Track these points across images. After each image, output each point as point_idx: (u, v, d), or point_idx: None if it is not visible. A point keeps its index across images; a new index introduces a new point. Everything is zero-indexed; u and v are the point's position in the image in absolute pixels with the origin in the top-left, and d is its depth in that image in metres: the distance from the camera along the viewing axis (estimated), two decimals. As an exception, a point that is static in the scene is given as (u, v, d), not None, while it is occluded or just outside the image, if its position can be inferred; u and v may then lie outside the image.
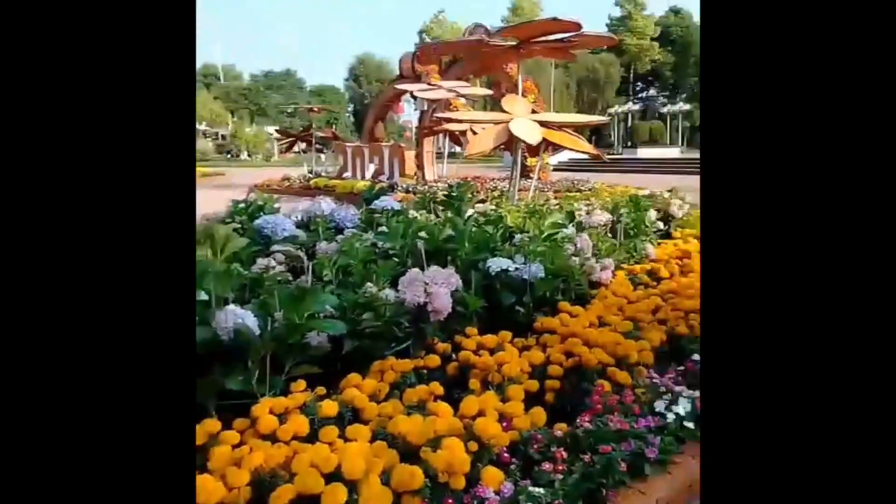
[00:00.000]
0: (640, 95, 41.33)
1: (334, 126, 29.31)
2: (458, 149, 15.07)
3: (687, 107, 32.82)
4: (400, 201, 6.36)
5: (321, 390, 1.50)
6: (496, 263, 2.36)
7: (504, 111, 5.03)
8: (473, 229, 3.04)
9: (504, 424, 1.39)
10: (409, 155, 11.73)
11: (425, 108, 12.08)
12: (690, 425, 1.54)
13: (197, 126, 36.44)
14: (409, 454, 1.25)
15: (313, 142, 16.02)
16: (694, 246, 3.57)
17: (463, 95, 9.37)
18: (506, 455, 1.32)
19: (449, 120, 6.63)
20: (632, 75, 39.20)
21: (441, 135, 11.58)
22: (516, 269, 2.37)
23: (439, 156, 12.45)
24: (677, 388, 1.65)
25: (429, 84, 9.66)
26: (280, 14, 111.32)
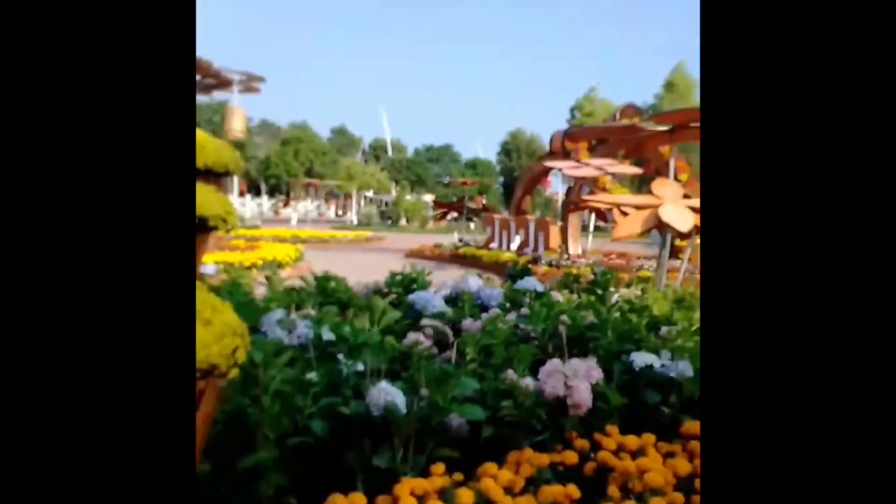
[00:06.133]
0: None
1: (484, 197, 30.39)
2: (602, 223, 14.84)
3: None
4: (543, 274, 6.37)
5: (459, 476, 1.55)
6: (640, 358, 2.29)
7: (654, 194, 4.93)
8: (617, 316, 2.98)
9: (642, 539, 1.33)
10: (555, 229, 11.78)
11: (572, 183, 12.16)
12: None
13: (366, 194, 39.68)
14: (542, 556, 1.25)
15: (464, 212, 16.73)
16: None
17: (611, 173, 9.33)
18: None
19: (594, 201, 6.62)
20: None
21: (587, 209, 11.54)
22: (662, 366, 2.28)
23: (584, 229, 12.35)
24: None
25: (577, 161, 9.76)
26: (442, 92, 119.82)
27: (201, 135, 2.21)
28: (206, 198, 1.73)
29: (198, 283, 1.30)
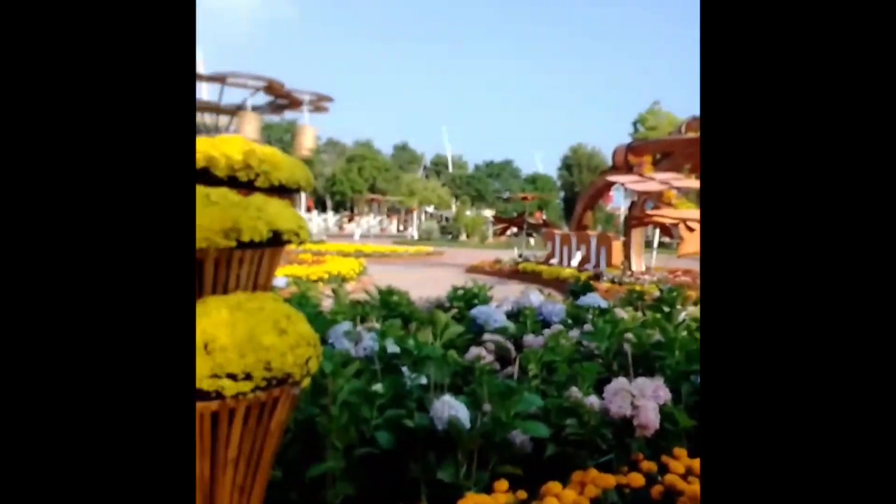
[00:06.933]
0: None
1: (544, 212, 30.11)
2: (667, 239, 14.40)
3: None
4: (605, 291, 6.23)
5: (522, 494, 1.54)
6: (711, 379, 2.21)
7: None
8: (684, 335, 2.89)
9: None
10: (617, 245, 11.52)
11: (636, 198, 11.89)
12: None
13: (426, 209, 40.02)
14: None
15: (524, 227, 16.63)
16: None
17: (676, 188, 9.07)
18: None
19: (659, 216, 6.46)
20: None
21: (651, 225, 11.24)
22: (734, 388, 2.20)
23: (648, 245, 12.02)
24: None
25: (641, 176, 9.55)
26: (502, 107, 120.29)
27: (276, 153, 2.31)
28: (280, 213, 1.81)
29: (272, 294, 1.36)
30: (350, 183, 42.35)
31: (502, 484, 1.57)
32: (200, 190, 1.79)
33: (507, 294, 3.93)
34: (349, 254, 14.67)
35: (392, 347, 2.17)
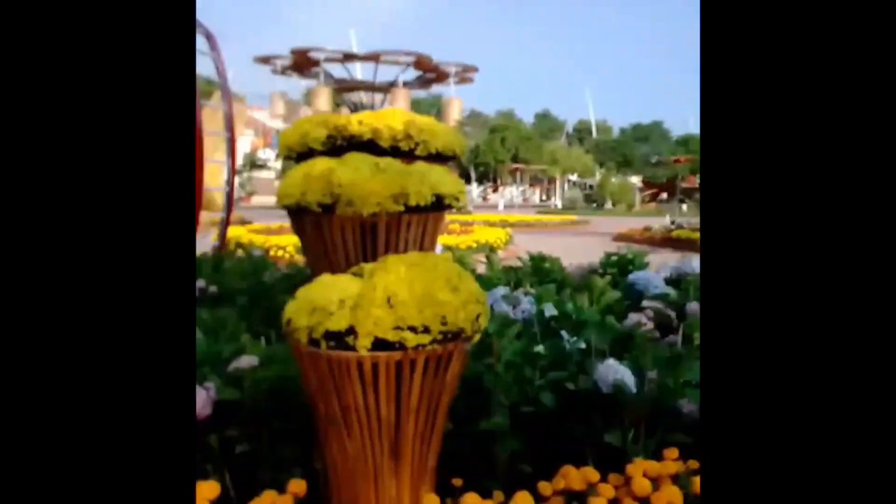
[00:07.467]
0: None
1: (697, 176, 27.93)
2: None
3: None
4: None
5: (694, 463, 1.47)
6: None
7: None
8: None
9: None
10: (790, 209, 10.39)
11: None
12: None
13: (570, 177, 39.09)
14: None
15: (676, 192, 15.62)
16: None
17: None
18: None
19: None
20: None
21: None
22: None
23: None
24: None
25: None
26: (649, 66, 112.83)
27: (433, 122, 2.38)
28: (441, 178, 1.87)
29: (442, 256, 1.42)
30: (493, 153, 42.50)
31: (672, 451, 1.51)
32: (369, 159, 1.91)
33: (661, 262, 3.72)
34: (495, 223, 14.82)
35: (549, 311, 2.16)
